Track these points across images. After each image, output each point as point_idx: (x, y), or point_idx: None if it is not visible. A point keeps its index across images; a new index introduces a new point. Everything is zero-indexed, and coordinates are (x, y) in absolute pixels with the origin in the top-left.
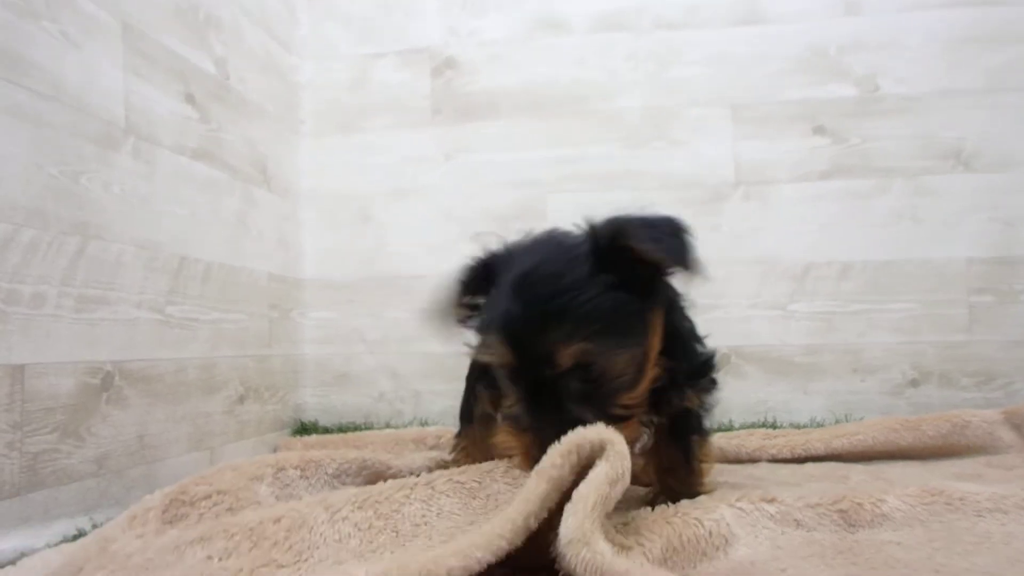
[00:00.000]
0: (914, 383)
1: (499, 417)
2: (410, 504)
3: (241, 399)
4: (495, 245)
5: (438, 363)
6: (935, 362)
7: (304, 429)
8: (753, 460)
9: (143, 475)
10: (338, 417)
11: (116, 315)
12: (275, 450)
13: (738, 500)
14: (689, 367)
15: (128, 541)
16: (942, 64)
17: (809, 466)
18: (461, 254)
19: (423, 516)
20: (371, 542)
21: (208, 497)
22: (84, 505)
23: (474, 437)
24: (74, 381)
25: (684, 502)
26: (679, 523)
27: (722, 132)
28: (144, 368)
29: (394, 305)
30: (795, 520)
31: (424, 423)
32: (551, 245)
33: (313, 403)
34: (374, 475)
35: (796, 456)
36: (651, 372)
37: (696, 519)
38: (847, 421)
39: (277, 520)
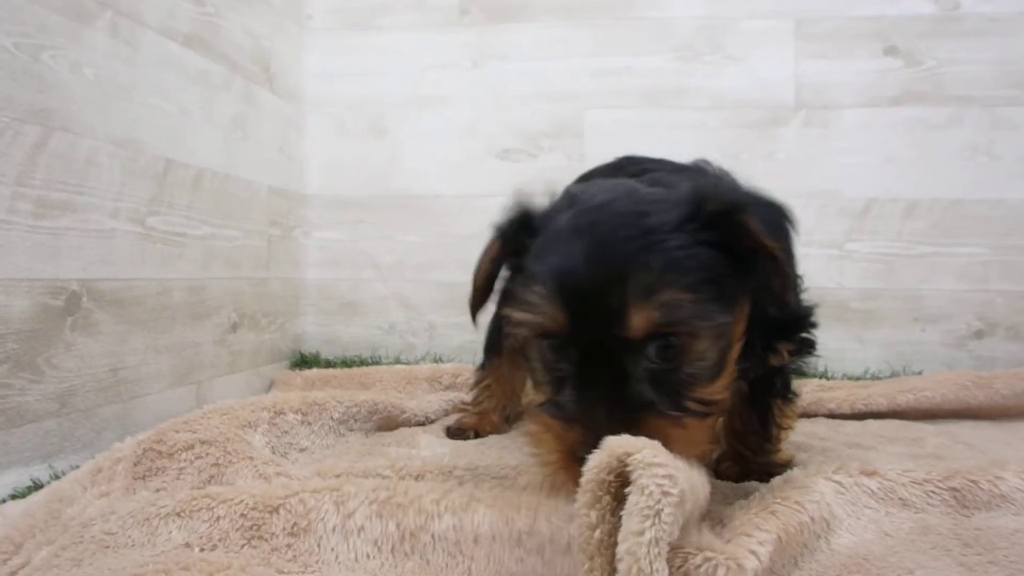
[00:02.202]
0: (979, 335)
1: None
2: (441, 520)
3: (234, 327)
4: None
5: (456, 293)
6: (1003, 313)
7: (304, 362)
8: (809, 415)
9: (116, 415)
10: (342, 349)
11: (86, 224)
12: (271, 385)
13: (835, 472)
14: (782, 318)
15: (88, 502)
16: None
17: (872, 424)
18: (486, 173)
19: (457, 542)
20: (395, 566)
21: (190, 448)
22: (42, 451)
23: (500, 373)
24: (30, 302)
25: (776, 481)
26: (784, 512)
27: (783, 49)
28: (119, 289)
29: (409, 227)
30: (900, 499)
31: (438, 359)
32: (621, 186)
33: (315, 333)
34: (385, 420)
35: (856, 411)
36: (732, 365)
37: (797, 503)
38: (904, 373)
39: (275, 509)
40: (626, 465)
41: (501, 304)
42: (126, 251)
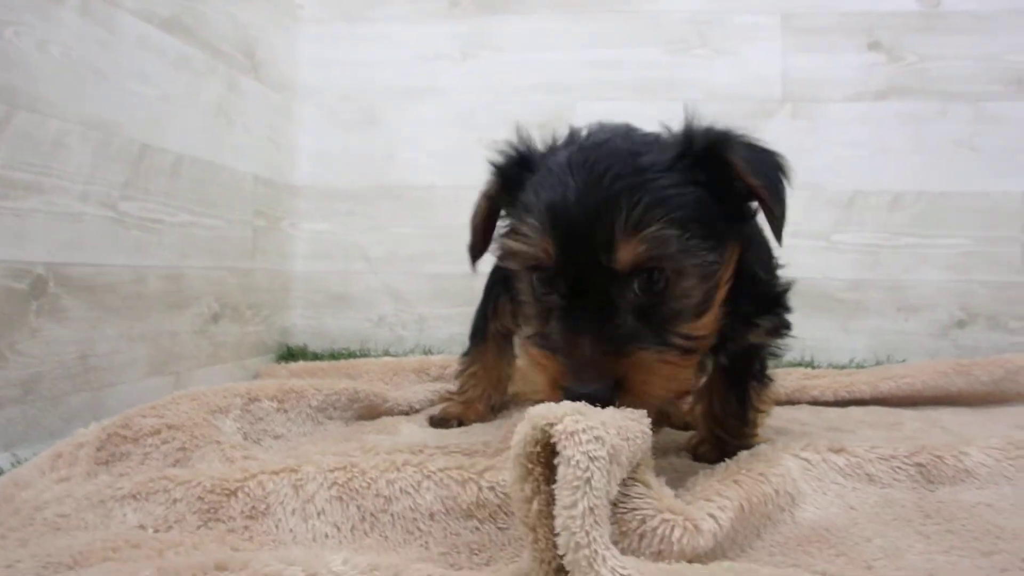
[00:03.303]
0: (961, 324)
1: (518, 340)
2: (399, 501)
3: (215, 317)
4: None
5: (446, 285)
6: (984, 303)
7: (291, 354)
8: (792, 402)
9: (87, 403)
10: (331, 342)
11: (53, 207)
12: (255, 377)
13: (803, 449)
14: (757, 298)
15: (45, 487)
16: None
17: (854, 410)
18: (479, 164)
19: (414, 519)
20: (354, 542)
21: (156, 433)
22: (4, 438)
23: (485, 360)
24: None
25: (743, 454)
26: (748, 482)
27: (771, 43)
28: (90, 274)
29: (401, 219)
30: (867, 474)
31: (427, 351)
32: (621, 131)
33: (302, 325)
34: (367, 409)
35: (839, 399)
36: (717, 305)
37: (762, 475)
38: (889, 362)
39: (233, 492)
40: (551, 436)
41: (489, 289)
42: (97, 236)
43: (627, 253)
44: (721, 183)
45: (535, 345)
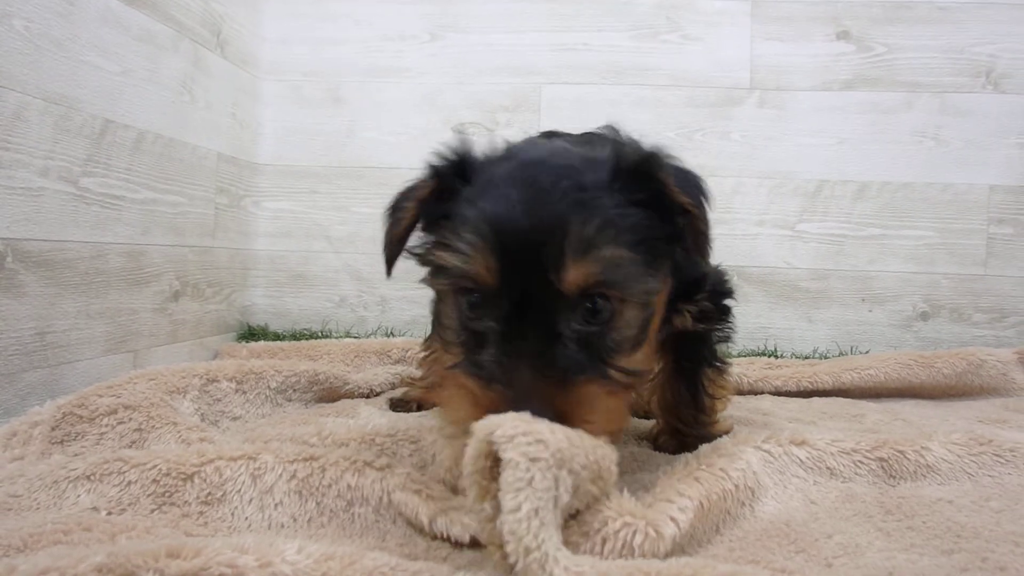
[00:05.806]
0: (924, 316)
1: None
2: (359, 505)
3: (176, 296)
4: (480, 138)
5: (409, 267)
6: (948, 295)
7: (252, 334)
8: (755, 392)
9: (43, 380)
10: (292, 322)
11: (11, 182)
12: (215, 356)
13: (765, 442)
14: (682, 281)
15: None
16: None
17: (817, 401)
18: (443, 145)
19: (376, 521)
20: (311, 532)
21: (113, 412)
22: None
23: None
24: None
25: (704, 448)
26: (707, 478)
27: (740, 30)
28: (49, 250)
29: (363, 198)
30: (828, 468)
31: (389, 333)
32: (556, 145)
33: (264, 305)
34: (327, 391)
35: (802, 389)
36: (653, 338)
37: (722, 470)
38: (852, 353)
39: (189, 477)
40: (494, 443)
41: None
42: (56, 211)
43: (578, 274)
44: (649, 197)
45: (465, 373)
